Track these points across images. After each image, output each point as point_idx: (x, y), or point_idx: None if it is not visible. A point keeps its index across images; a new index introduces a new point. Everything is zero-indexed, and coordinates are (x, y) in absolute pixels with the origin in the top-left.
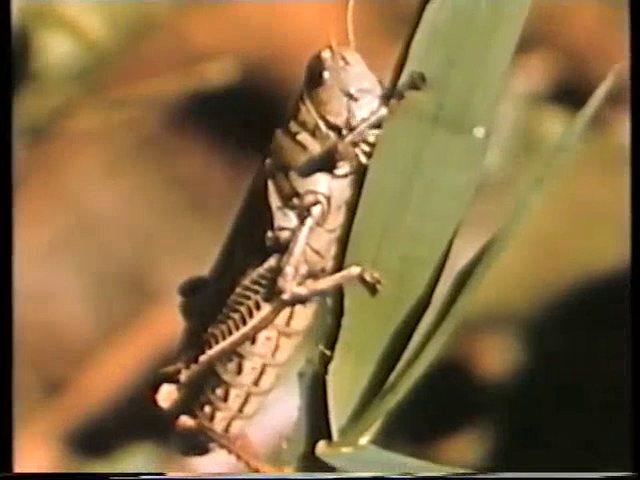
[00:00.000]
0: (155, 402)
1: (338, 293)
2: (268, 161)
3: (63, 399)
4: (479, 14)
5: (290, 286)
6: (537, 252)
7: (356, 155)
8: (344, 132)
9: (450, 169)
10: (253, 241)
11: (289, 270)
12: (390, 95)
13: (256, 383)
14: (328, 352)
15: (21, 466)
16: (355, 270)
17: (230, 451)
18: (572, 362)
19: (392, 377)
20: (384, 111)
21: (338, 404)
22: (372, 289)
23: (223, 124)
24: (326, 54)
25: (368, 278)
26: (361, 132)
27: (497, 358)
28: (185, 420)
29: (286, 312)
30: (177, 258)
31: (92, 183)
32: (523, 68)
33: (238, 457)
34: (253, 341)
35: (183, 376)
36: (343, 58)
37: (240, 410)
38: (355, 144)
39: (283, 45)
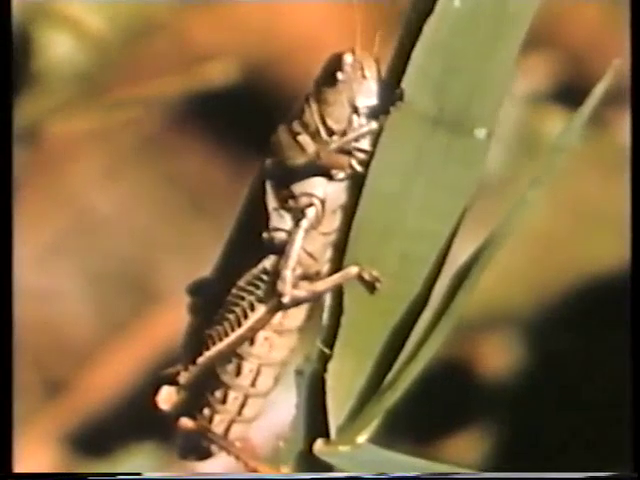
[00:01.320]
0: (155, 404)
1: (338, 291)
2: (268, 161)
3: (63, 399)
4: (482, 19)
5: (289, 289)
6: (537, 252)
7: (350, 164)
8: (335, 138)
9: (451, 169)
10: (250, 241)
11: (287, 273)
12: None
13: (253, 384)
14: (327, 350)
15: (21, 466)
16: (353, 270)
17: (229, 452)
18: (572, 362)
19: (390, 375)
20: (374, 125)
21: (336, 402)
22: (371, 288)
23: (224, 125)
24: (348, 58)
25: (367, 277)
26: (347, 142)
27: (497, 358)
28: (185, 422)
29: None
30: (178, 258)
31: (93, 183)
32: (523, 67)
33: (237, 458)
34: (252, 342)
35: (182, 378)
36: (361, 69)
37: (239, 413)
38: (348, 152)
39: (284, 46)
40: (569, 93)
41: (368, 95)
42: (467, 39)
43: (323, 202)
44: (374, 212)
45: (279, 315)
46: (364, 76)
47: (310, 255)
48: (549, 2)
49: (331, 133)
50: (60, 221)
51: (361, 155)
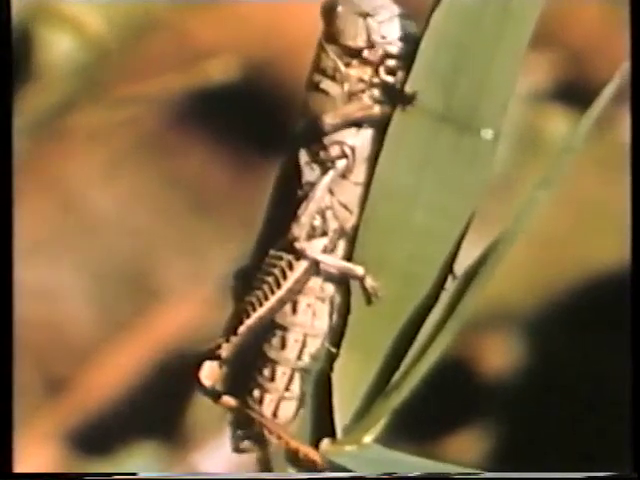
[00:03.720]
0: (198, 381)
1: (345, 290)
2: (299, 123)
3: (64, 398)
4: (488, 18)
5: (305, 235)
6: (538, 251)
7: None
8: (366, 53)
9: (459, 167)
10: (287, 205)
11: (304, 219)
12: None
13: (300, 357)
14: (334, 350)
15: (21, 466)
16: (359, 271)
17: (270, 432)
18: (573, 362)
19: (396, 376)
20: (376, 109)
21: (343, 402)
22: (368, 297)
23: (225, 122)
24: None
25: (367, 285)
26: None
27: (499, 357)
28: (227, 400)
29: (319, 277)
30: (179, 256)
31: (93, 181)
32: (526, 67)
33: (279, 438)
34: (294, 310)
35: (224, 351)
36: None
37: (287, 389)
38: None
39: (285, 43)
40: (570, 92)
41: None
42: (474, 33)
43: (353, 149)
44: (382, 209)
45: (320, 281)
46: None
47: (345, 207)
48: (550, 1)
49: (348, 63)
50: (61, 219)
51: (390, 62)
